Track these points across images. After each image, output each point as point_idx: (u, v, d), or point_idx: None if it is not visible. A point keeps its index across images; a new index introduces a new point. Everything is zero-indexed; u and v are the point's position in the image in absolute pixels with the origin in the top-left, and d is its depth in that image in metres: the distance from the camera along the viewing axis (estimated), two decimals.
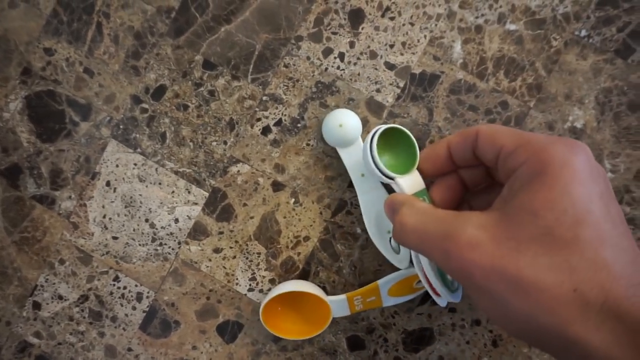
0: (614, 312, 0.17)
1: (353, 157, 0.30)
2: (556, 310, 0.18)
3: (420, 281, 0.29)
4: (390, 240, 0.30)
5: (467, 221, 0.21)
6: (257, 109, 0.32)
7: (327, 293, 0.32)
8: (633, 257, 0.19)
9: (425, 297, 0.32)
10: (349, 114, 0.30)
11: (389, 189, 0.30)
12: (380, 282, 0.30)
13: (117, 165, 0.32)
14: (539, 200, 0.19)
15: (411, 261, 0.30)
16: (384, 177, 0.27)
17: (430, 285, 0.27)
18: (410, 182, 0.26)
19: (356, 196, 0.31)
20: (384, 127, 0.27)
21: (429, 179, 0.28)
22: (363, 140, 0.30)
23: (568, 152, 0.20)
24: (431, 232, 0.22)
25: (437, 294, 0.27)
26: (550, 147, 0.20)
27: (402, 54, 0.31)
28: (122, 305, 0.33)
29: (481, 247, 0.20)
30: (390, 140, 0.27)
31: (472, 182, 0.28)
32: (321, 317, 0.31)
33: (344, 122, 0.29)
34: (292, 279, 0.32)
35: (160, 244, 0.33)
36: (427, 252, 0.22)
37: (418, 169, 0.27)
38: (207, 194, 0.32)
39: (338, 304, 0.30)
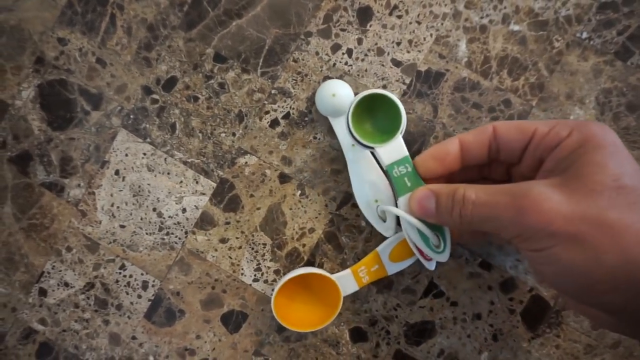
0: None
1: (345, 127, 0.30)
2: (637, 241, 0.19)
3: None
4: (377, 209, 0.30)
5: (533, 183, 0.22)
6: (265, 102, 0.32)
7: None
8: None
9: (428, 290, 0.32)
10: (342, 84, 0.31)
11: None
12: (379, 249, 0.31)
13: (126, 155, 0.33)
14: (600, 156, 0.21)
15: (399, 224, 0.30)
16: (363, 147, 0.27)
17: (420, 251, 0.28)
18: (390, 151, 0.27)
19: None
20: (365, 93, 0.27)
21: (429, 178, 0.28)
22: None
23: (603, 126, 0.22)
24: (499, 199, 0.22)
25: (426, 258, 0.29)
26: (585, 123, 0.22)
27: (408, 52, 0.31)
28: (127, 294, 0.33)
29: (556, 197, 0.20)
30: (375, 107, 0.28)
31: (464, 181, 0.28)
32: (332, 300, 0.31)
33: (337, 92, 0.30)
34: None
35: (167, 233, 0.33)
36: (495, 219, 0.22)
37: (420, 166, 0.27)
38: (214, 185, 0.33)
39: (344, 280, 0.31)
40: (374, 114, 0.28)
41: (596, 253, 0.20)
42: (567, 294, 0.23)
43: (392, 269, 0.31)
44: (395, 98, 0.27)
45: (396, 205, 0.29)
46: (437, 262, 0.30)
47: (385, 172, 0.30)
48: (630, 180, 0.20)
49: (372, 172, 0.30)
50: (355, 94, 0.31)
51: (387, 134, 0.28)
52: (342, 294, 0.31)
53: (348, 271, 0.31)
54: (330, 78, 0.32)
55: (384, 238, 0.31)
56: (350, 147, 0.31)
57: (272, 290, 0.32)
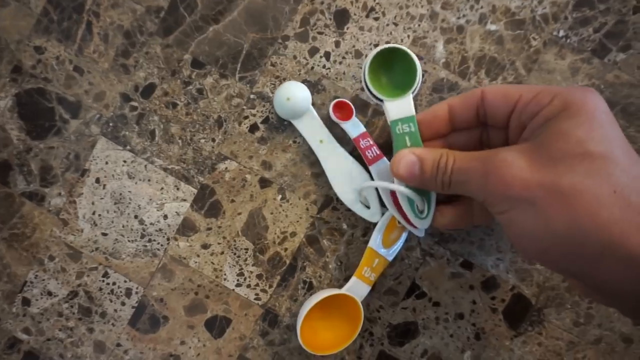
0: None
1: (308, 126, 0.31)
2: (598, 211, 0.19)
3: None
4: (359, 194, 0.31)
5: (502, 150, 0.22)
6: (244, 107, 0.32)
7: (313, 288, 0.33)
8: None
9: (410, 291, 0.32)
10: (297, 86, 0.31)
11: (351, 151, 0.31)
12: (370, 244, 0.31)
13: (106, 162, 0.33)
14: (569, 124, 0.21)
15: (383, 206, 0.31)
16: (373, 99, 0.28)
17: (407, 220, 0.29)
18: (398, 107, 0.27)
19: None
20: (385, 46, 0.27)
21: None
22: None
23: (586, 92, 0.22)
24: (471, 165, 0.23)
25: (414, 226, 0.29)
26: (570, 89, 0.22)
27: None
28: (111, 301, 0.33)
29: (518, 163, 0.21)
30: (394, 61, 0.27)
31: (459, 147, 0.28)
32: (351, 311, 0.31)
33: (291, 95, 0.30)
34: (278, 274, 0.33)
35: (149, 240, 0.33)
36: (468, 183, 0.23)
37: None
38: (195, 191, 0.33)
39: (355, 288, 0.31)
40: (391, 68, 0.28)
41: (546, 219, 0.20)
42: (528, 257, 0.24)
43: (391, 254, 0.31)
44: (414, 56, 0.27)
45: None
46: (423, 236, 0.31)
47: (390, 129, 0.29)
48: (596, 147, 0.20)
49: (346, 162, 0.31)
50: (335, 97, 0.31)
51: (400, 89, 0.27)
52: (359, 301, 0.30)
53: (354, 279, 0.31)
54: (309, 81, 0.32)
55: (366, 234, 0.31)
56: (319, 144, 0.31)
57: (296, 324, 0.30)
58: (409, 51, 0.27)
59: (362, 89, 0.28)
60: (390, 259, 0.31)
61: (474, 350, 0.32)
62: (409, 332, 0.32)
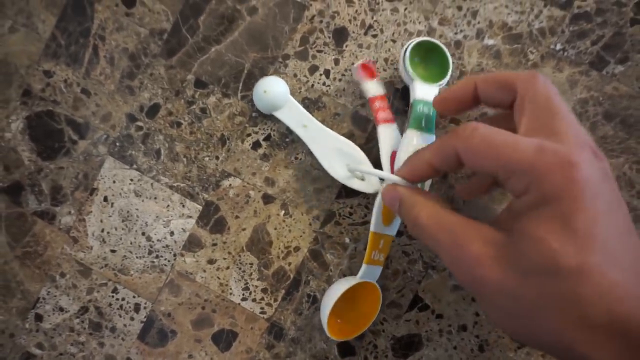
0: (619, 330, 0.17)
1: (290, 115, 0.31)
2: (562, 331, 0.18)
3: None
4: (351, 171, 0.31)
5: (476, 235, 0.21)
6: (247, 125, 0.33)
7: (317, 302, 0.33)
8: None
9: (413, 304, 0.33)
10: (273, 80, 0.31)
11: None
12: (372, 228, 0.30)
13: (114, 181, 0.34)
14: (543, 228, 0.19)
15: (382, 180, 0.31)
16: (407, 77, 0.30)
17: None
18: (426, 90, 0.29)
19: (344, 207, 0.33)
20: (426, 39, 0.30)
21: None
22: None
23: (568, 171, 0.19)
24: (442, 238, 0.22)
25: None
26: (549, 172, 0.19)
27: (385, 70, 0.32)
28: (120, 316, 0.34)
29: (489, 265, 0.20)
30: (431, 54, 0.30)
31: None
32: (369, 292, 0.31)
33: (267, 89, 0.31)
34: (283, 288, 0.33)
35: (157, 256, 0.34)
36: (434, 248, 0.22)
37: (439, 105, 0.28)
38: (200, 207, 0.33)
39: (368, 273, 0.31)
40: (429, 59, 0.31)
41: (514, 325, 0.21)
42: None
43: (393, 230, 0.31)
44: (449, 56, 0.30)
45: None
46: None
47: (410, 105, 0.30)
48: (570, 259, 0.18)
49: (333, 140, 0.31)
50: (337, 122, 0.32)
51: (431, 79, 0.30)
52: (374, 282, 0.31)
53: (365, 266, 0.30)
54: (309, 99, 0.32)
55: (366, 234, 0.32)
56: (303, 129, 0.31)
57: (322, 319, 0.31)
58: (446, 51, 0.30)
59: (398, 69, 0.31)
60: (394, 234, 0.31)
61: None
62: (413, 344, 0.33)
